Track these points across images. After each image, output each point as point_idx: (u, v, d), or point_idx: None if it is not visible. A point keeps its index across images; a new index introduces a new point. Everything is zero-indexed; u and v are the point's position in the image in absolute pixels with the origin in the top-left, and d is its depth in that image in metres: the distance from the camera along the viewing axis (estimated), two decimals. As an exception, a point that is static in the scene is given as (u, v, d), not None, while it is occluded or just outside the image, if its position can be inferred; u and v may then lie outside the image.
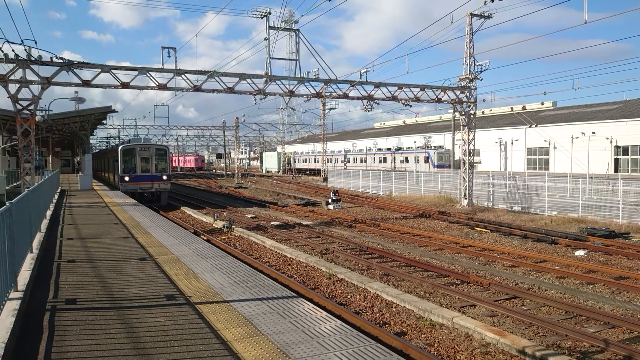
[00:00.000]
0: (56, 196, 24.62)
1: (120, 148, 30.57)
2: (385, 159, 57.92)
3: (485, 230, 20.29)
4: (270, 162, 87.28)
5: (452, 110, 37.46)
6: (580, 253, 15.53)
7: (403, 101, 26.32)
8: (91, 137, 52.42)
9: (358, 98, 25.58)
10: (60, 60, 19.36)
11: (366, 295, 10.78)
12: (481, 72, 27.18)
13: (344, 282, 11.91)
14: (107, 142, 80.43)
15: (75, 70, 19.78)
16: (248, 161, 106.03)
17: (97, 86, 20.80)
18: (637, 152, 39.01)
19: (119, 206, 20.88)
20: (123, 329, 5.88)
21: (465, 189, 28.39)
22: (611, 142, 39.87)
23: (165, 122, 64.20)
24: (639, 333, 8.53)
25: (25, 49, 18.27)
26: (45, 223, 14.20)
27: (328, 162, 67.14)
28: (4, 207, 6.19)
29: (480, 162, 50.93)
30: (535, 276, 12.84)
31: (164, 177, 30.38)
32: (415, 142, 58.53)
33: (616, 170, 38.79)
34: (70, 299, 7.13)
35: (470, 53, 27.01)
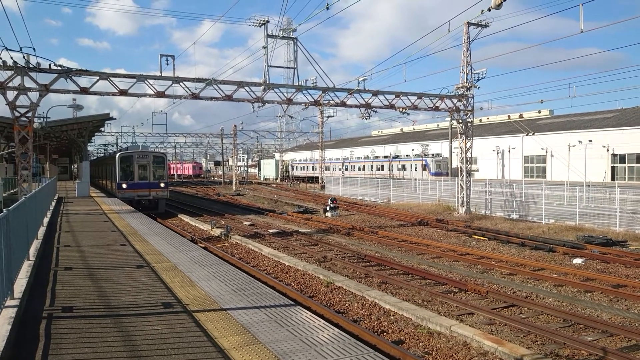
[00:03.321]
0: (53, 203, 24.56)
1: (117, 155, 30.54)
2: (382, 166, 58.00)
3: (483, 238, 20.29)
4: (268, 169, 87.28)
5: (449, 118, 37.57)
6: (578, 261, 15.54)
7: (401, 109, 26.40)
8: (89, 144, 52.43)
9: (356, 106, 25.65)
10: (59, 68, 19.39)
11: (364, 304, 10.75)
12: (478, 80, 27.28)
13: (342, 290, 11.88)
14: (104, 150, 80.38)
15: (73, 77, 19.81)
16: (246, 169, 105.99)
17: (95, 93, 20.82)
18: (633, 160, 39.15)
19: (116, 213, 20.83)
20: (120, 337, 5.85)
21: (463, 197, 28.42)
22: (608, 150, 40.01)
23: (163, 130, 64.23)
24: (637, 341, 8.52)
25: (23, 56, 18.32)
26: (42, 230, 14.15)
27: (326, 169, 67.18)
28: (1, 214, 6.18)
29: (477, 170, 51.04)
30: (533, 284, 12.84)
31: (162, 185, 30.35)
32: (412, 149, 58.64)
33: (613, 179, 38.91)
34: (67, 307, 7.10)
35: (467, 61, 27.14)
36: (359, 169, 62.22)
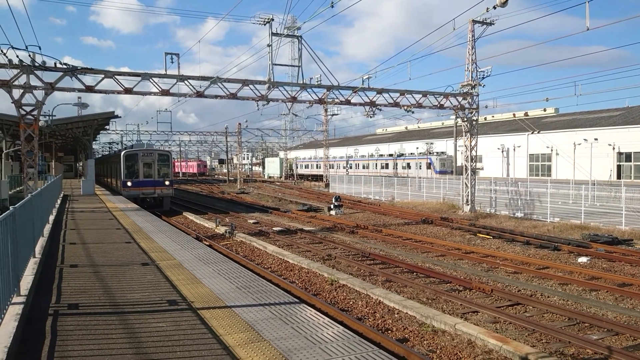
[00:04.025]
0: (59, 201, 24.67)
1: (122, 153, 30.64)
2: (387, 165, 57.94)
3: (488, 237, 20.24)
4: (273, 167, 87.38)
5: (454, 117, 37.48)
6: (583, 260, 15.48)
7: (405, 107, 26.33)
8: (94, 142, 52.64)
9: (360, 104, 25.60)
10: (64, 66, 19.46)
11: (368, 302, 10.76)
12: (483, 78, 27.19)
13: (346, 288, 11.89)
14: (109, 148, 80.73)
15: (78, 75, 19.87)
16: (250, 167, 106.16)
17: (100, 91, 20.88)
18: (639, 159, 38.94)
19: (121, 211, 20.91)
20: (125, 334, 5.88)
21: (468, 195, 28.35)
22: (614, 148, 39.82)
23: (167, 128, 64.19)
24: (642, 340, 8.49)
25: (29, 55, 18.38)
26: (47, 228, 14.22)
27: (330, 167, 67.16)
28: (8, 212, 6.21)
29: (482, 168, 50.90)
30: (538, 283, 12.80)
31: (167, 183, 30.43)
32: (417, 148, 58.54)
33: (619, 177, 38.72)
34: (72, 304, 7.14)
35: (472, 59, 27.05)
36: (364, 167, 62.19)
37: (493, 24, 26.12)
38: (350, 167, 64.27)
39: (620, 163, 40.13)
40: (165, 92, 21.62)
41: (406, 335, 8.78)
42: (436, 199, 33.87)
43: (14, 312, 5.95)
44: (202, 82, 22.17)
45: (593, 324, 9.30)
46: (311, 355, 5.20)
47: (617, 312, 10.18)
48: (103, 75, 20.40)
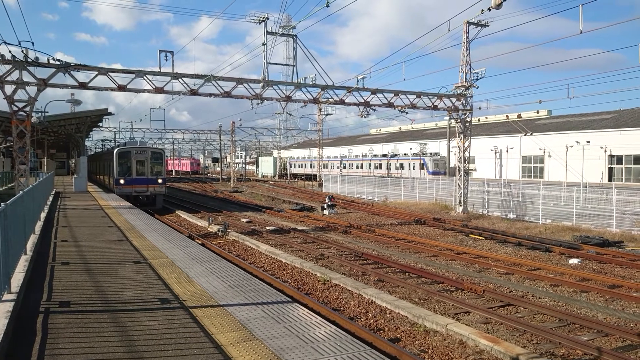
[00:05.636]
0: (51, 198, 24.51)
1: (116, 151, 30.49)
2: (380, 165, 58.02)
3: (480, 238, 20.33)
4: (266, 166, 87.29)
5: (447, 118, 37.60)
6: (574, 261, 15.59)
7: (399, 108, 26.38)
8: (87, 139, 52.35)
9: (355, 104, 25.62)
10: (57, 62, 19.32)
11: (361, 301, 10.78)
12: (477, 80, 27.24)
13: (339, 287, 11.90)
14: (102, 145, 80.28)
15: (71, 72, 19.74)
16: (244, 166, 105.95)
17: (93, 88, 20.75)
18: (631, 162, 39.28)
19: (113, 209, 20.81)
20: (117, 332, 5.86)
21: (461, 196, 28.46)
22: (605, 151, 40.13)
23: (161, 126, 64.21)
24: (632, 342, 8.57)
25: (22, 51, 18.23)
26: (39, 225, 14.13)
27: (324, 167, 67.17)
28: (-1, 208, 6.17)
29: (475, 170, 51.10)
30: (529, 284, 12.88)
31: (160, 181, 30.32)
32: (410, 148, 58.68)
33: (610, 179, 39.03)
34: (64, 302, 7.10)
35: (466, 61, 27.13)
36: (357, 167, 62.25)
37: (487, 25, 26.23)
38: (344, 167, 64.33)
39: (612, 166, 40.46)
40: (159, 90, 21.53)
41: (398, 335, 8.81)
42: (429, 200, 33.97)
43: (4, 310, 5.92)
44: (196, 80, 22.10)
45: (583, 325, 9.37)
46: (303, 354, 5.21)
47: (607, 314, 10.26)
48: (96, 72, 20.27)
